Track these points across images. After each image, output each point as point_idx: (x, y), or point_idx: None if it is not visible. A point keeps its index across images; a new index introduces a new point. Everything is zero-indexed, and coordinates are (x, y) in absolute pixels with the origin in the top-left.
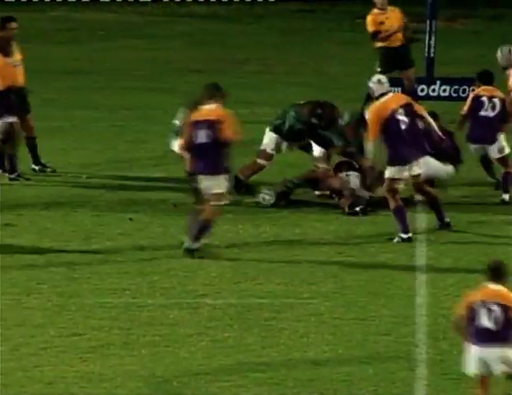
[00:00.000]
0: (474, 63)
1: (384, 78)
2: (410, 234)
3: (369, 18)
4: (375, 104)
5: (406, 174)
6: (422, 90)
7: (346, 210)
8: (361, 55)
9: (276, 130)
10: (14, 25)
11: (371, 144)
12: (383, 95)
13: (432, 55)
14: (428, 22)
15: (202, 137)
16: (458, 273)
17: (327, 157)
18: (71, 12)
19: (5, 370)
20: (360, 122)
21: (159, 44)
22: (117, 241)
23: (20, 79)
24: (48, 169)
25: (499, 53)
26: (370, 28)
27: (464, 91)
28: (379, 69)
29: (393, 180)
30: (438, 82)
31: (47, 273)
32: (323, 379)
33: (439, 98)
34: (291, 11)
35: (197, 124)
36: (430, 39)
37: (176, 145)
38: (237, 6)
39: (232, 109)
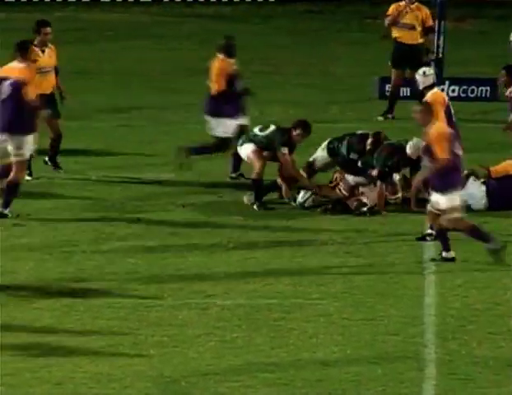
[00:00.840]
0: (483, 63)
1: (429, 70)
2: None
3: (392, 5)
4: (436, 94)
5: None
6: None
7: (354, 209)
8: (369, 56)
9: (331, 152)
10: (49, 30)
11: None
12: (429, 87)
13: (441, 55)
14: (437, 22)
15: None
16: (466, 273)
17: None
18: (78, 13)
19: (13, 371)
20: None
21: (167, 45)
22: (125, 241)
23: (49, 85)
24: (61, 171)
25: None
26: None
27: (473, 92)
28: (389, 63)
29: None
30: (447, 82)
31: (56, 273)
32: (332, 380)
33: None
34: (299, 11)
35: (454, 136)
36: (438, 39)
37: (246, 150)
38: (244, 7)
39: None
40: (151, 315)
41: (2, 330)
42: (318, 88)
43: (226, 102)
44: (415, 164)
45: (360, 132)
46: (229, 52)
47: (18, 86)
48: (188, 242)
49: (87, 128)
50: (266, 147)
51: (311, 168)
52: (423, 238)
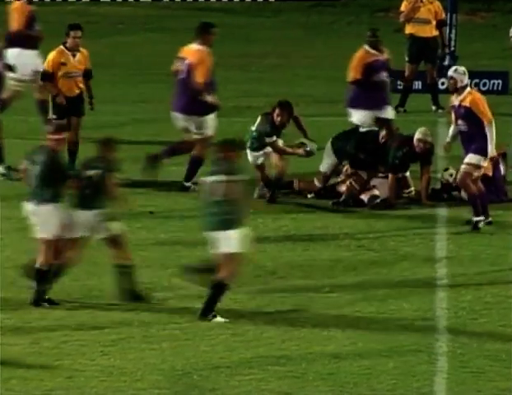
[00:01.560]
0: (494, 57)
1: (465, 70)
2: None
3: (404, 1)
4: (476, 94)
5: (485, 163)
6: (443, 84)
7: (367, 203)
8: None
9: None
10: (79, 33)
11: (492, 127)
12: (464, 87)
13: (453, 48)
14: (449, 16)
15: None
16: (478, 266)
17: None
18: (89, 6)
19: (25, 364)
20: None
21: (178, 38)
22: (137, 235)
23: (74, 88)
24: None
25: None
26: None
27: (485, 85)
28: (406, 58)
29: (477, 167)
30: None
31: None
32: (344, 373)
33: None
34: (310, 4)
35: None
36: (450, 32)
37: (251, 156)
38: (255, 1)
39: (252, 104)
40: (163, 308)
41: (13, 323)
42: (330, 81)
43: (363, 92)
44: (425, 158)
45: (364, 129)
46: (372, 43)
47: (190, 68)
48: (200, 235)
49: (98, 121)
50: (261, 144)
51: (325, 177)
52: (475, 225)
